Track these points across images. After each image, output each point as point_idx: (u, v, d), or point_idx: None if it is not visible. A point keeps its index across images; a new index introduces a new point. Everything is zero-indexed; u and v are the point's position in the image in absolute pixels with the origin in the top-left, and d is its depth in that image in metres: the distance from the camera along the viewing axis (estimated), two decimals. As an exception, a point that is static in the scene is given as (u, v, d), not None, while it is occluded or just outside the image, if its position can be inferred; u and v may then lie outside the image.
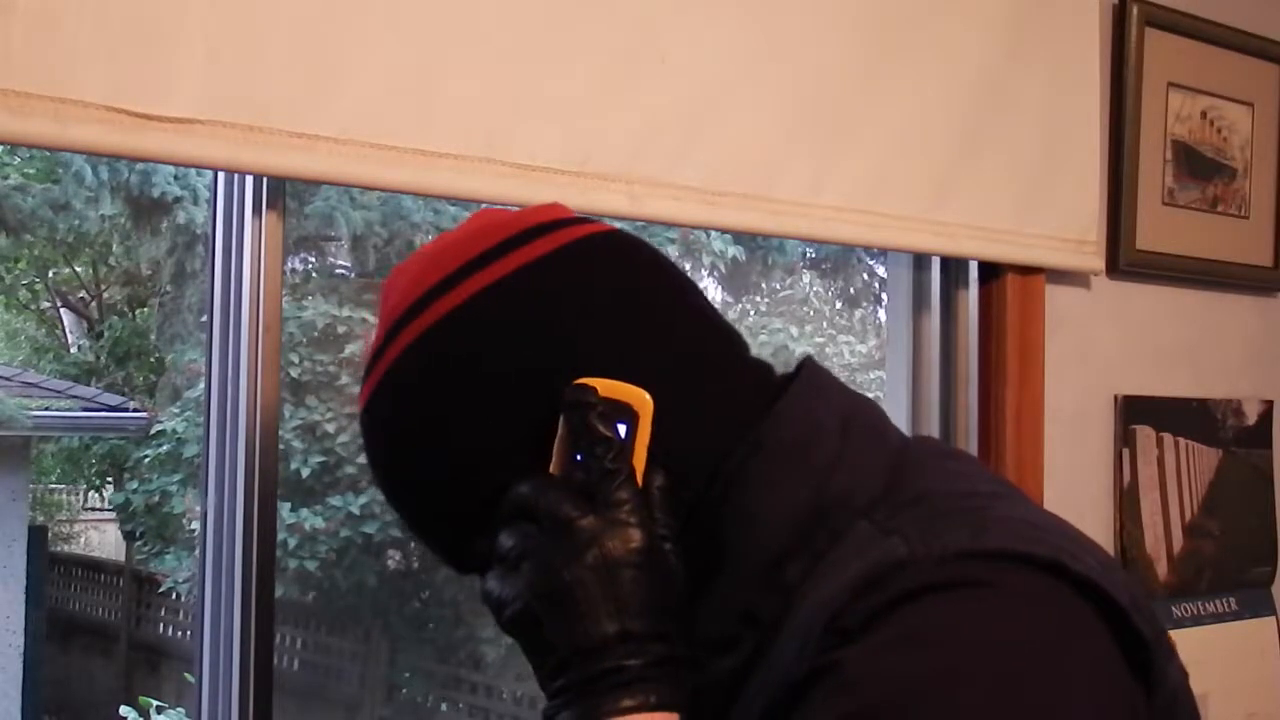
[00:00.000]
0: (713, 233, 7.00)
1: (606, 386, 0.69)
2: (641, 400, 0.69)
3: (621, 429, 0.69)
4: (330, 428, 7.11)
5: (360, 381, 0.78)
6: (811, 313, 9.43)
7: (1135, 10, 2.04)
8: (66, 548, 10.51)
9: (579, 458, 0.69)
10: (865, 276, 8.68)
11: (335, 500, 7.12)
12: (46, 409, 7.71)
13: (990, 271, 1.92)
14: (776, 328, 8.34)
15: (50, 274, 10.11)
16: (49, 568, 8.73)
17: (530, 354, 0.72)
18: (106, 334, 9.74)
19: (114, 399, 8.44)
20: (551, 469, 0.70)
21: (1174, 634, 1.04)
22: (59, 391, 8.16)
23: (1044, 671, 0.62)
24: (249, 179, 1.40)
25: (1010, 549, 0.65)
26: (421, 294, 0.74)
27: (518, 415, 0.71)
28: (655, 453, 0.70)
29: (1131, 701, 0.65)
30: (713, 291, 7.89)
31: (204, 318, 1.56)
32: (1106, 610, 0.65)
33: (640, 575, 0.67)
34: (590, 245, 0.76)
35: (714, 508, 0.72)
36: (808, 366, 0.78)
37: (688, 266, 7.42)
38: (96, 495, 10.82)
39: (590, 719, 0.65)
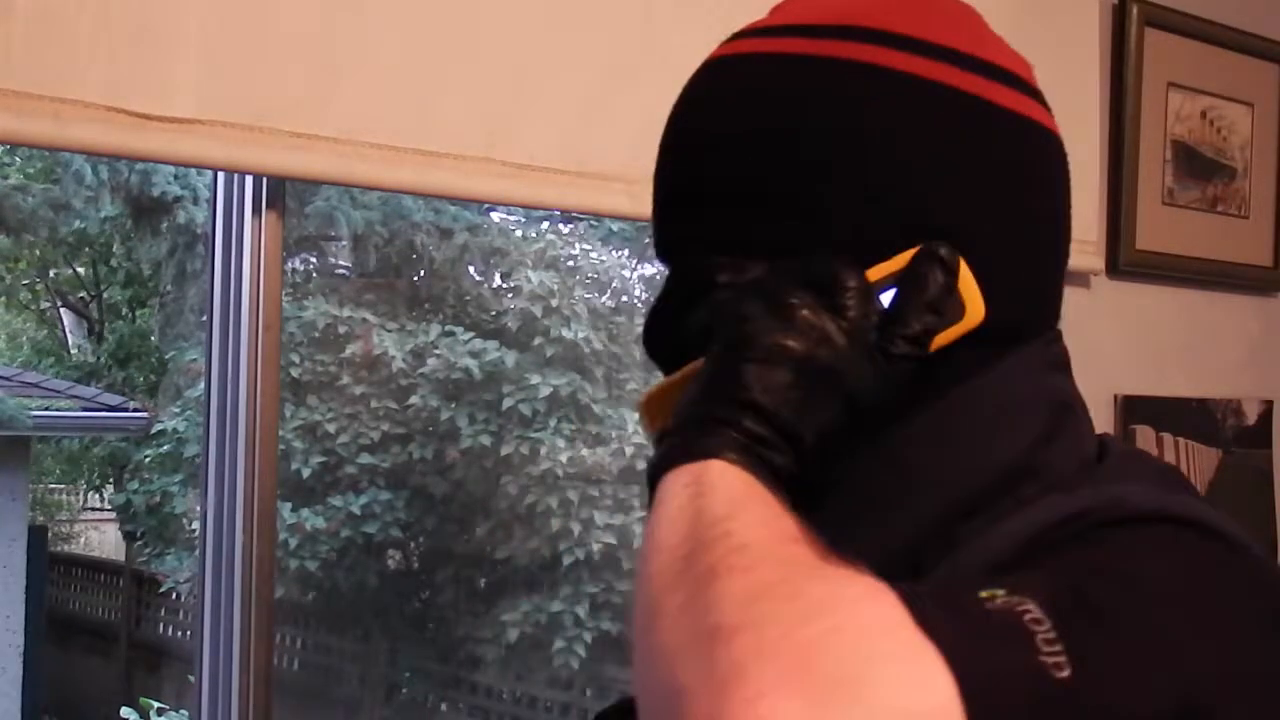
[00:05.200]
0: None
1: (966, 273, 0.64)
2: (975, 313, 0.64)
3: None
4: (330, 428, 7.11)
5: (757, 31, 0.70)
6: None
7: (1135, 10, 2.04)
8: (66, 548, 10.51)
9: (890, 296, 0.63)
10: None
11: (336, 500, 7.11)
12: (47, 409, 7.71)
13: (990, 271, 1.92)
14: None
15: (51, 274, 10.11)
16: (49, 568, 8.73)
17: (929, 184, 0.66)
18: (108, 336, 9.74)
19: (114, 399, 8.44)
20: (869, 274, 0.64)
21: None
22: (59, 391, 8.15)
23: (1226, 607, 0.56)
24: (249, 179, 1.40)
25: (1209, 522, 0.59)
26: (900, 33, 0.67)
27: (866, 212, 0.65)
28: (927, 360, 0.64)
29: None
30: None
31: (204, 317, 1.56)
32: None
33: (831, 411, 0.61)
34: (1050, 146, 0.71)
35: (921, 437, 0.66)
36: (1057, 338, 0.73)
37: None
38: (96, 495, 10.83)
39: (666, 452, 0.60)
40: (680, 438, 0.60)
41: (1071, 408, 0.70)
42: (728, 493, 0.56)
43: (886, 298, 0.63)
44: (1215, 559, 0.59)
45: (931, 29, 0.67)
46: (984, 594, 0.52)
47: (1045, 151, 0.71)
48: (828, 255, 0.63)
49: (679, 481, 0.57)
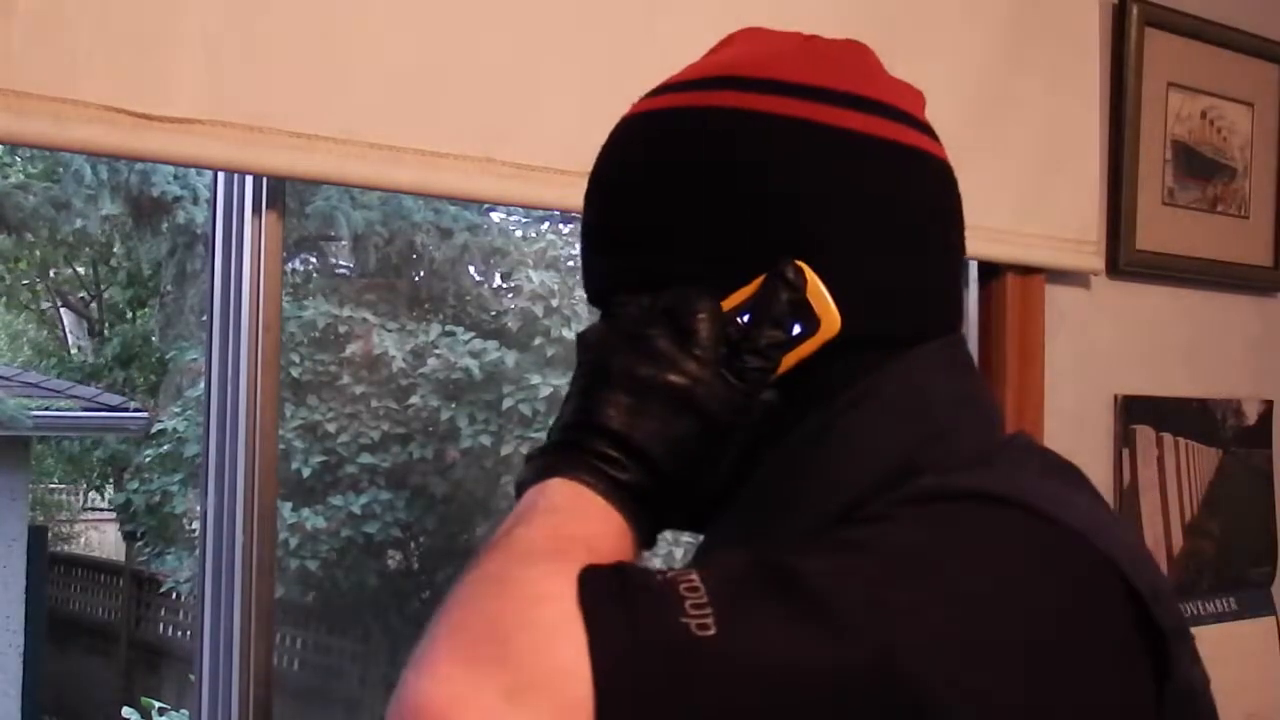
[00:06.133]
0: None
1: (816, 288, 0.69)
2: (831, 322, 0.69)
3: (796, 329, 0.69)
4: (331, 428, 7.11)
5: (656, 91, 0.77)
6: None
7: (1135, 10, 2.04)
8: (66, 548, 10.52)
9: (746, 317, 0.69)
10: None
11: (336, 500, 7.12)
12: (47, 409, 7.71)
13: (990, 271, 1.92)
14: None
15: (51, 274, 10.12)
16: (49, 568, 8.73)
17: (794, 210, 0.70)
18: (110, 337, 9.75)
19: (114, 399, 8.44)
20: (723, 304, 0.70)
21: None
22: (59, 392, 8.16)
23: (1019, 585, 0.60)
24: (249, 179, 1.40)
25: (1041, 507, 0.62)
26: (770, 78, 0.73)
27: (744, 242, 0.70)
28: (796, 376, 0.69)
29: (1103, 663, 0.61)
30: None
31: (204, 317, 1.56)
32: (1127, 594, 0.62)
33: (684, 428, 0.66)
34: (925, 167, 0.74)
35: (809, 439, 0.70)
36: (955, 341, 0.76)
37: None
38: (97, 495, 10.83)
39: (525, 476, 0.67)
40: (540, 460, 0.67)
41: (970, 406, 0.73)
42: (542, 504, 0.63)
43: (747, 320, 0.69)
44: (1005, 533, 0.61)
45: (810, 73, 0.73)
46: (665, 570, 0.58)
47: (921, 174, 0.74)
48: (688, 288, 0.69)
49: (524, 500, 0.64)
